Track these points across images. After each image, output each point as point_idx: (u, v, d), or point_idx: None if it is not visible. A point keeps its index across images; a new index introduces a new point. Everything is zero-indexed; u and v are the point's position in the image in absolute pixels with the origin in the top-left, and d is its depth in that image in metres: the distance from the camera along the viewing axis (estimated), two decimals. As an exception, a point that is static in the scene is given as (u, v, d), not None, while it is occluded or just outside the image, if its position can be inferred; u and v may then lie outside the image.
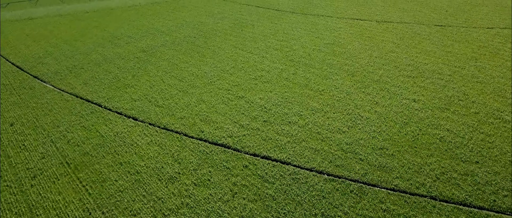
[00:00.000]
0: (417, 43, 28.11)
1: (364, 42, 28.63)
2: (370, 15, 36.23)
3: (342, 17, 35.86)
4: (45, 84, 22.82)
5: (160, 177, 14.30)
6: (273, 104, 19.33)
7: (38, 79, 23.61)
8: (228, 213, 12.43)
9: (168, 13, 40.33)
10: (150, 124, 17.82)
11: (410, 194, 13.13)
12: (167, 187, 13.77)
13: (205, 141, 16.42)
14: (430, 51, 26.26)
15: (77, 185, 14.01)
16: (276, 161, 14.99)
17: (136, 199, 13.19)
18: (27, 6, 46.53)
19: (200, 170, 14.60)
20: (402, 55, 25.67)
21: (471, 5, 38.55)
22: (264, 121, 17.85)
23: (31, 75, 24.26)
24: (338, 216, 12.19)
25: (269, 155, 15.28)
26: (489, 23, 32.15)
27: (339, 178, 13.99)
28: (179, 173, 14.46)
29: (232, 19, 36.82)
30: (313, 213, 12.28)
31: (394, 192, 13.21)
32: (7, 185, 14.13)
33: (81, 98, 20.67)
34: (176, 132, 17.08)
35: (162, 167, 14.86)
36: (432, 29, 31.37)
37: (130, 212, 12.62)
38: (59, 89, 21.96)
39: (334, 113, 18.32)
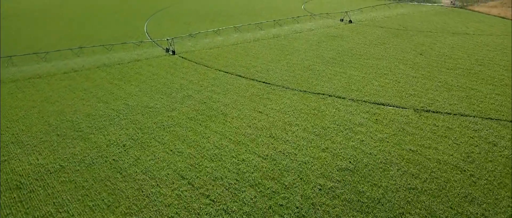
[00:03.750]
0: (503, 172, 15.86)
1: (409, 165, 16.42)
2: (402, 96, 24.30)
3: (360, 100, 23.91)
4: None
5: None
6: None
7: None
8: None
9: (111, 85, 28.52)
10: None
11: None
12: None
13: None
14: (541, 199, 13.96)
15: None
16: None
17: None
18: None
19: None
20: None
21: (543, 78, 26.79)
22: None
23: None
24: None
25: None
26: None
27: None
28: None
29: (197, 100, 24.89)
30: None
31: None
32: None
33: None
34: None
35: None
36: (512, 132, 19.28)
37: None
38: None
39: None
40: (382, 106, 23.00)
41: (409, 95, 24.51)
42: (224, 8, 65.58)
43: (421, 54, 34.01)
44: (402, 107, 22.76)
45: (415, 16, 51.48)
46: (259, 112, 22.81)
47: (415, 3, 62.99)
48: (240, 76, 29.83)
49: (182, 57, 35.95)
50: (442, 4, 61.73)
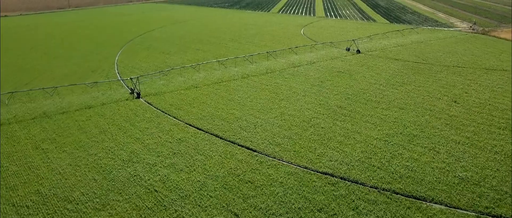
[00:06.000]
0: None
1: None
2: (450, 183, 16.26)
3: (389, 190, 15.85)
4: None
5: None
6: None
7: None
8: None
9: (34, 153, 20.43)
10: None
11: None
12: None
13: None
14: None
15: None
16: None
17: None
18: None
19: None
20: None
21: None
22: None
23: None
24: None
25: None
26: None
27: None
28: None
29: (146, 186, 16.82)
30: None
31: None
32: None
33: None
34: None
35: None
36: None
37: None
38: None
39: None
40: (425, 204, 14.90)
41: (460, 181, 16.44)
42: (212, 33, 58.21)
43: (455, 101, 26.10)
44: (456, 208, 14.66)
45: (433, 44, 43.90)
46: (235, 214, 14.68)
47: (430, 27, 55.69)
48: (217, 136, 21.82)
49: (148, 102, 28.03)
50: (459, 29, 54.42)
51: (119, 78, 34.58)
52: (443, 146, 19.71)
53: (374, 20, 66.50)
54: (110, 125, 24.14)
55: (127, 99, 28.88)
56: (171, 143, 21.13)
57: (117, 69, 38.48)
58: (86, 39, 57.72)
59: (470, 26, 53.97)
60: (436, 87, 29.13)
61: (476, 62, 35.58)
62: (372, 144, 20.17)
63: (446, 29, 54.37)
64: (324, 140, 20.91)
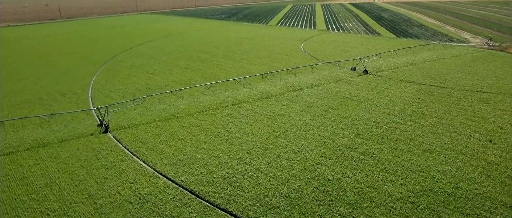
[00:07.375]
0: None
1: None
2: None
3: None
4: None
5: None
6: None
7: None
8: None
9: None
10: None
11: None
12: None
13: None
14: None
15: None
16: None
17: None
18: None
19: None
20: None
21: None
22: None
23: None
24: None
25: None
26: None
27: None
28: None
29: None
30: None
31: None
32: None
33: None
34: None
35: None
36: None
37: None
38: None
39: None
40: None
41: None
42: (204, 48, 53.64)
43: (490, 140, 21.23)
44: None
45: (449, 63, 39.25)
46: None
47: (441, 43, 51.08)
48: (192, 193, 16.88)
49: (116, 139, 23.13)
50: (473, 44, 49.84)
51: (91, 107, 29.75)
52: (491, 214, 14.77)
53: (379, 34, 62.00)
54: (61, 172, 19.20)
55: (92, 134, 23.99)
56: (131, 204, 16.16)
57: (90, 92, 33.65)
58: (66, 55, 53.05)
59: (485, 42, 49.45)
60: (462, 119, 24.28)
61: (503, 87, 30.80)
62: (395, 209, 15.24)
63: (459, 45, 49.80)
64: (332, 199, 15.97)
